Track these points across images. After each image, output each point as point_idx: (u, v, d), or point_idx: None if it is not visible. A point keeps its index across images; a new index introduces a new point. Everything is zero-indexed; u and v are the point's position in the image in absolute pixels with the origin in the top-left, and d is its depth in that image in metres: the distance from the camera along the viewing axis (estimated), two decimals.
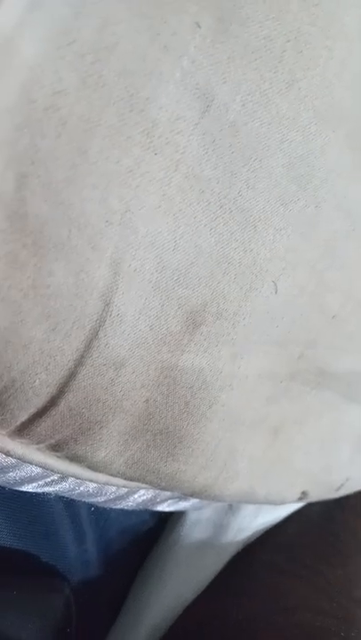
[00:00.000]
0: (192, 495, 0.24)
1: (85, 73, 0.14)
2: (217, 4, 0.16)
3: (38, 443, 0.19)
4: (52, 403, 0.17)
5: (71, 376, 0.17)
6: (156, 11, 0.15)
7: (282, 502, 0.29)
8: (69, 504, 0.26)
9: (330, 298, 0.23)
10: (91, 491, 0.22)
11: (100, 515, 0.28)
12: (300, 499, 0.29)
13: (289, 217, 0.19)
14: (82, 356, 0.16)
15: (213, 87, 0.16)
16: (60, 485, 0.22)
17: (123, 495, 0.24)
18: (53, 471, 0.20)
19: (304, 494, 0.29)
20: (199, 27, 0.15)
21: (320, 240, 0.21)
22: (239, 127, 0.17)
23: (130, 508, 0.25)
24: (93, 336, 0.16)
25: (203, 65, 0.16)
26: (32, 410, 0.17)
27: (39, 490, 0.21)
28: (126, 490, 0.24)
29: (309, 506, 0.35)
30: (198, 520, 0.33)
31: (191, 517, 0.32)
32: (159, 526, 0.32)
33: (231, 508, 0.33)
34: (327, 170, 0.20)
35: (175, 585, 0.32)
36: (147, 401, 0.19)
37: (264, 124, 0.17)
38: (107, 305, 0.16)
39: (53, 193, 0.14)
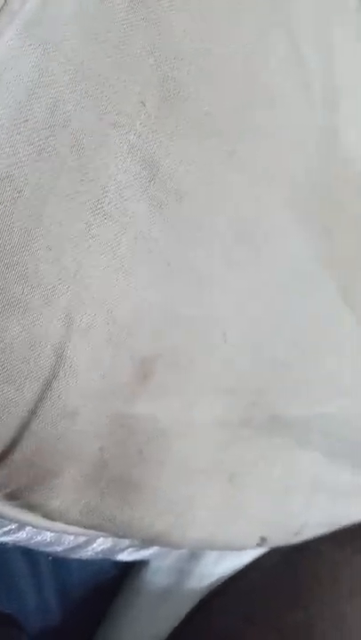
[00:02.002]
0: (151, 542, 0.24)
1: (40, 146, 0.16)
2: (161, 85, 0.17)
3: None
4: (7, 452, 0.18)
5: (24, 426, 0.17)
6: (103, 91, 0.16)
7: (241, 548, 0.29)
8: (28, 552, 0.26)
9: (279, 347, 0.24)
10: (48, 540, 0.23)
11: (60, 563, 0.28)
12: (259, 544, 0.29)
13: (234, 273, 0.20)
14: (35, 407, 0.17)
15: (159, 158, 0.17)
16: (16, 535, 0.22)
17: (81, 544, 0.24)
18: (9, 520, 0.21)
19: (263, 540, 0.29)
20: (144, 105, 0.17)
21: (267, 293, 0.22)
22: (184, 193, 0.18)
23: (89, 558, 0.25)
24: (46, 387, 0.17)
25: (148, 139, 0.17)
26: None
27: None
28: (85, 539, 0.24)
29: (272, 551, 0.36)
30: (160, 568, 0.33)
31: (153, 565, 0.33)
32: (121, 574, 0.32)
33: (193, 555, 0.33)
34: (270, 229, 0.22)
35: (138, 633, 0.32)
36: (101, 449, 0.19)
37: (207, 190, 0.19)
38: (59, 357, 0.17)
39: (8, 255, 0.16)
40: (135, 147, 0.17)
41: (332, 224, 0.26)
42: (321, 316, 0.27)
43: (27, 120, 0.15)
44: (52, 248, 0.16)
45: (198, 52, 0.18)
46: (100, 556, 0.25)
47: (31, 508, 0.20)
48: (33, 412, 0.17)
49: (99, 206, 0.17)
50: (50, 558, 0.27)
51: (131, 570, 0.33)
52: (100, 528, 0.22)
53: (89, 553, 0.25)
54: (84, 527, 0.22)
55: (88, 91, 0.16)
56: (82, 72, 0.16)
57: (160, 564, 0.33)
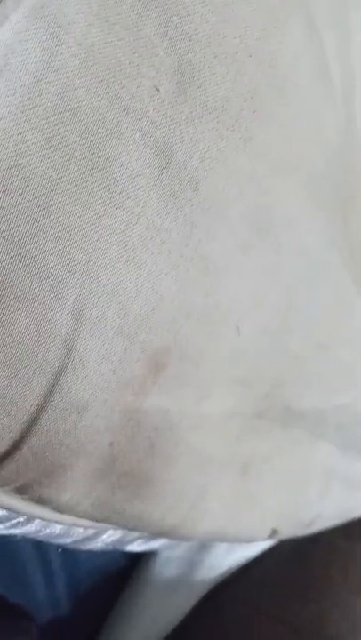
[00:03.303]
0: (161, 535, 0.24)
1: (50, 134, 0.15)
2: (176, 68, 0.17)
3: (3, 486, 0.19)
4: (16, 447, 0.17)
5: (33, 421, 0.17)
6: (115, 76, 0.16)
7: (252, 540, 0.29)
8: (38, 544, 0.26)
9: (293, 338, 0.24)
10: (58, 532, 0.23)
11: (70, 554, 0.28)
12: (270, 536, 0.29)
13: (249, 263, 0.20)
14: (44, 402, 0.17)
15: (172, 146, 0.17)
16: (26, 527, 0.22)
17: (90, 536, 0.24)
18: (19, 513, 0.21)
19: (274, 532, 0.29)
20: (158, 90, 0.16)
21: (281, 284, 0.22)
22: (198, 182, 0.17)
23: (99, 549, 0.25)
24: (55, 381, 0.17)
25: (162, 125, 0.16)
26: None
27: (5, 532, 0.21)
28: (94, 531, 0.24)
29: (283, 542, 0.36)
30: (170, 558, 0.33)
31: (163, 556, 0.32)
32: (130, 565, 0.32)
33: (203, 545, 0.33)
34: (286, 218, 0.21)
35: (147, 623, 0.32)
36: (111, 444, 0.19)
37: (222, 179, 0.18)
38: (69, 351, 0.17)
39: (16, 246, 0.15)
40: (148, 134, 0.16)
41: (349, 212, 0.26)
42: (336, 307, 0.26)
43: (35, 106, 0.15)
44: (61, 239, 0.16)
45: (213, 36, 0.17)
46: (110, 547, 0.25)
47: (41, 501, 0.20)
48: (42, 407, 0.17)
49: (109, 196, 0.16)
50: (59, 550, 0.26)
51: (140, 560, 0.32)
52: (110, 521, 0.22)
53: (98, 544, 0.25)
54: (95, 520, 0.21)
55: (99, 75, 0.15)
56: (92, 56, 0.15)
57: (170, 555, 0.33)
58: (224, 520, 0.25)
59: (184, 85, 0.17)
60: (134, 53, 0.16)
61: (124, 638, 0.30)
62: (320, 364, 0.26)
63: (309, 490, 0.30)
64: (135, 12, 0.16)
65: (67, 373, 0.17)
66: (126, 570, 0.32)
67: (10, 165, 0.14)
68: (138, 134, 0.16)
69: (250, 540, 0.28)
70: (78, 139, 0.15)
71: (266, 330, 0.22)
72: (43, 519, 0.21)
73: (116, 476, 0.20)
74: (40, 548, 0.26)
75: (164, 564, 0.32)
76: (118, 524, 0.22)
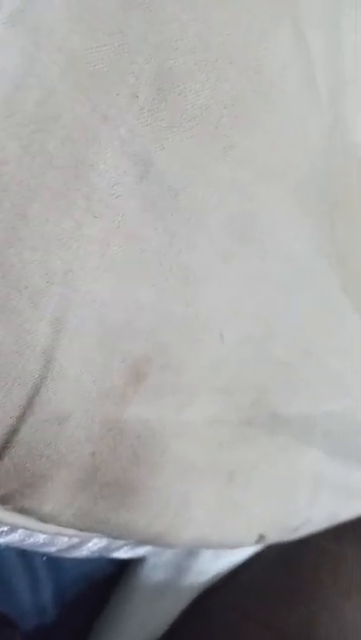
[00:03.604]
0: (146, 543, 0.24)
1: (27, 141, 0.15)
2: (155, 76, 0.17)
3: None
4: None
5: (13, 432, 0.17)
6: (95, 83, 0.15)
7: (239, 546, 0.29)
8: (23, 552, 0.26)
9: (278, 346, 0.23)
10: (42, 541, 0.22)
11: (55, 561, 0.28)
12: (257, 542, 0.29)
13: (230, 272, 0.20)
14: (24, 413, 0.17)
15: (151, 154, 0.17)
16: (9, 537, 0.22)
17: (76, 544, 0.24)
18: (2, 523, 0.20)
19: (261, 537, 0.29)
20: (137, 97, 0.16)
21: (266, 291, 0.22)
22: (177, 191, 0.17)
23: (84, 557, 0.25)
24: (35, 392, 0.17)
25: (141, 133, 0.16)
26: None
27: None
28: (79, 539, 0.24)
29: (272, 546, 0.35)
30: (157, 564, 0.33)
31: (150, 561, 0.32)
32: (117, 571, 0.32)
33: (191, 551, 0.33)
34: (272, 225, 0.21)
35: (135, 629, 0.32)
36: (93, 454, 0.19)
37: (201, 187, 0.18)
38: (48, 362, 0.17)
39: None
40: (126, 142, 0.16)
41: (336, 217, 0.26)
42: (323, 314, 0.26)
43: (13, 114, 0.14)
44: (39, 248, 0.16)
45: (195, 43, 0.17)
46: (96, 555, 0.25)
47: (24, 511, 0.20)
48: (22, 418, 0.17)
49: (88, 204, 0.16)
50: (44, 558, 0.26)
51: (127, 566, 0.32)
52: (93, 530, 0.22)
53: (84, 552, 0.25)
54: (79, 529, 0.21)
55: (80, 82, 0.15)
56: (73, 62, 0.15)
57: (157, 561, 0.33)
58: (208, 527, 0.25)
59: (164, 93, 0.17)
60: (114, 60, 0.16)
61: None
62: (307, 371, 0.26)
63: (298, 496, 0.30)
64: (117, 18, 0.16)
65: (46, 384, 0.17)
66: (113, 576, 0.31)
67: None
68: (117, 142, 0.16)
69: (237, 546, 0.28)
70: (58, 146, 0.15)
71: (249, 337, 0.22)
72: (26, 529, 0.21)
73: (98, 486, 0.20)
74: (25, 555, 0.26)
75: (152, 569, 0.32)
76: (103, 533, 0.22)
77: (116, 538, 0.23)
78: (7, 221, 0.15)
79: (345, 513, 0.34)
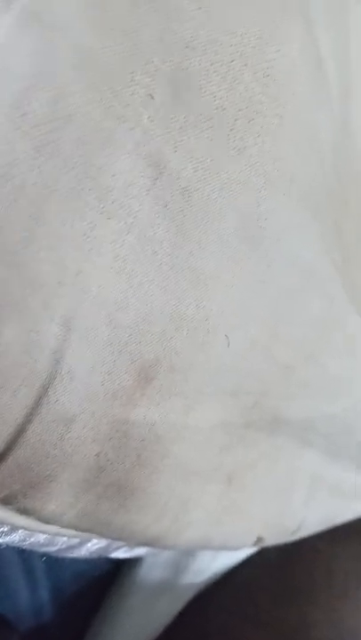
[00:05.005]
0: (145, 545, 0.24)
1: (40, 142, 0.15)
2: (171, 76, 0.16)
3: None
4: (0, 459, 0.17)
5: (19, 433, 0.17)
6: (109, 83, 0.15)
7: (237, 548, 0.29)
8: (22, 552, 0.26)
9: (282, 350, 0.23)
10: (42, 541, 0.22)
11: (54, 561, 0.28)
12: (255, 544, 0.29)
13: (240, 275, 0.20)
14: (30, 413, 0.17)
15: (165, 155, 0.16)
16: (10, 537, 0.21)
17: (75, 545, 0.24)
18: (3, 523, 0.20)
19: (260, 540, 0.29)
20: (152, 98, 0.16)
21: (272, 296, 0.22)
22: (191, 193, 0.17)
23: (83, 557, 0.25)
24: (43, 393, 0.17)
25: (155, 134, 0.16)
26: None
27: None
28: (79, 540, 0.24)
29: (267, 548, 0.36)
30: (155, 563, 0.32)
31: (148, 561, 0.32)
32: (115, 570, 0.32)
33: (189, 551, 0.33)
34: (279, 230, 0.21)
35: (132, 629, 0.32)
36: (97, 455, 0.19)
37: (215, 190, 0.18)
38: (57, 362, 0.16)
39: (9, 255, 0.15)
40: (141, 143, 0.16)
41: (343, 218, 0.26)
42: (326, 318, 0.26)
43: (26, 114, 0.14)
44: (54, 249, 0.15)
45: (210, 43, 0.17)
46: (95, 555, 0.25)
47: (25, 512, 0.19)
48: (29, 419, 0.17)
49: (102, 205, 0.16)
50: (44, 558, 0.26)
51: (125, 565, 0.32)
52: (94, 531, 0.21)
53: (83, 552, 0.25)
54: (79, 530, 0.21)
55: (94, 82, 0.15)
56: (87, 61, 0.15)
57: (155, 560, 0.33)
58: (208, 530, 0.25)
59: (179, 93, 0.17)
60: (130, 60, 0.16)
61: None
62: (309, 374, 0.26)
63: (295, 497, 0.30)
64: (133, 16, 0.16)
65: (55, 385, 0.17)
66: (111, 575, 0.31)
67: (0, 175, 0.14)
68: (131, 143, 0.16)
69: (235, 549, 0.28)
70: (71, 147, 0.15)
71: (256, 341, 0.22)
72: (27, 529, 0.21)
73: (102, 486, 0.20)
74: (23, 554, 0.26)
75: (149, 569, 0.32)
76: (102, 534, 0.22)
77: (115, 539, 0.23)
78: (23, 222, 0.15)
79: (341, 515, 0.34)
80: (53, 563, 0.28)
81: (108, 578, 0.32)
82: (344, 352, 0.28)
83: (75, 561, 0.29)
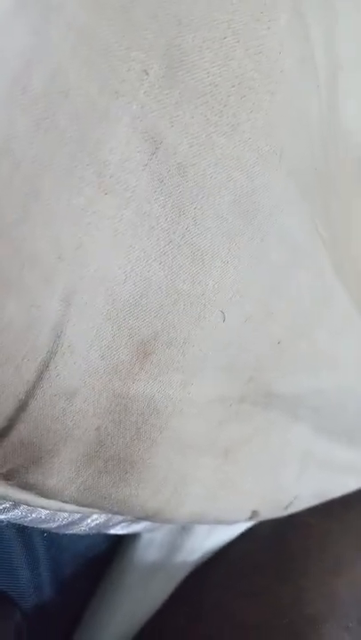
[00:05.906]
0: (144, 518, 0.24)
1: (39, 117, 0.15)
2: (165, 52, 0.17)
3: None
4: (3, 434, 0.17)
5: (22, 407, 0.17)
6: (106, 59, 0.15)
7: (233, 522, 0.30)
8: (22, 530, 0.26)
9: (275, 325, 0.24)
10: (43, 517, 0.23)
11: (53, 539, 0.28)
12: (250, 518, 0.29)
13: (235, 250, 0.20)
14: (32, 388, 0.17)
15: (162, 130, 0.17)
16: (11, 513, 0.22)
17: (75, 520, 0.24)
18: (5, 499, 0.21)
19: (254, 514, 0.29)
20: (147, 74, 0.16)
21: (266, 271, 0.22)
22: (186, 168, 0.17)
23: (83, 533, 0.25)
24: (44, 368, 0.17)
25: (151, 109, 0.16)
26: None
27: None
28: (79, 515, 0.24)
29: (261, 524, 0.36)
30: (151, 541, 0.33)
31: (144, 539, 0.33)
32: (112, 548, 0.32)
33: (184, 528, 0.34)
34: (271, 205, 0.21)
35: (129, 606, 0.32)
36: (98, 429, 0.19)
37: (210, 165, 0.18)
38: (58, 337, 0.17)
39: (6, 232, 0.15)
40: (138, 118, 0.16)
41: (330, 197, 0.26)
42: (315, 294, 0.26)
43: (24, 90, 0.14)
44: (51, 224, 0.16)
45: (202, 20, 0.17)
46: (94, 531, 0.26)
47: (27, 486, 0.20)
48: (30, 393, 0.17)
49: (99, 180, 0.16)
50: (45, 534, 0.27)
51: (122, 543, 0.33)
52: (95, 505, 0.22)
53: (83, 528, 0.25)
54: (80, 505, 0.22)
55: (90, 58, 0.15)
56: (83, 38, 0.15)
57: (152, 537, 0.33)
58: (206, 503, 0.26)
59: (173, 69, 0.17)
60: (124, 36, 0.16)
61: (107, 621, 0.31)
62: (300, 349, 0.27)
63: (288, 472, 0.30)
64: None
65: (56, 359, 0.17)
66: (109, 552, 0.32)
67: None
68: (127, 118, 0.16)
69: (231, 522, 0.29)
70: (68, 122, 0.15)
71: (250, 317, 0.22)
72: (28, 504, 0.21)
73: (102, 460, 0.20)
74: (24, 532, 0.26)
75: (146, 547, 0.33)
76: (103, 508, 0.22)
77: (115, 513, 0.24)
78: (19, 198, 0.15)
79: (333, 490, 0.35)
80: (53, 542, 0.28)
81: (107, 556, 0.32)
82: (333, 328, 0.29)
83: (73, 542, 0.30)
